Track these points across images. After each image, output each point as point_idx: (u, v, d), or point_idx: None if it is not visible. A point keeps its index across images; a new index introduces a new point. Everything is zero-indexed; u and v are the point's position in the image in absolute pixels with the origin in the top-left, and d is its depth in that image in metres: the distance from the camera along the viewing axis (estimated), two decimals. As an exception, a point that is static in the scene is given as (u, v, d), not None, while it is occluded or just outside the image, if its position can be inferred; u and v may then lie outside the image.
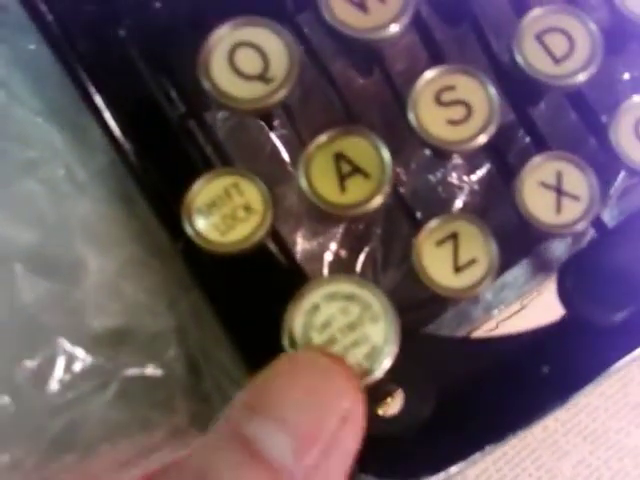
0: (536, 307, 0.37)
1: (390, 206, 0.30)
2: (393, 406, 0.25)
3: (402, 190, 0.31)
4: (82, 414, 0.19)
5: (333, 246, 0.30)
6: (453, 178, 0.30)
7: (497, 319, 0.37)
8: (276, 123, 0.29)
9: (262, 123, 0.27)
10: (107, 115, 0.22)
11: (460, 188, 0.30)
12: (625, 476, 0.46)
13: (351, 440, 0.18)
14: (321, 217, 0.29)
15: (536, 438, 0.45)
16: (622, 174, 0.29)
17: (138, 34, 0.22)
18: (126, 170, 0.23)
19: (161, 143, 0.23)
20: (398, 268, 0.30)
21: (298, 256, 0.30)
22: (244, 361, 0.23)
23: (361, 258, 0.30)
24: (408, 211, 0.25)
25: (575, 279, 0.25)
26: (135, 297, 0.23)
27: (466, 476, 0.45)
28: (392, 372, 0.21)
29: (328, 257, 0.30)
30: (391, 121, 0.26)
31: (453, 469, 0.24)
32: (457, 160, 0.30)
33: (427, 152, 0.30)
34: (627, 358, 0.26)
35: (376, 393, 0.24)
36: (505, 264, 0.31)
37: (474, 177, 0.29)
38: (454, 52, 0.27)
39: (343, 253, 0.31)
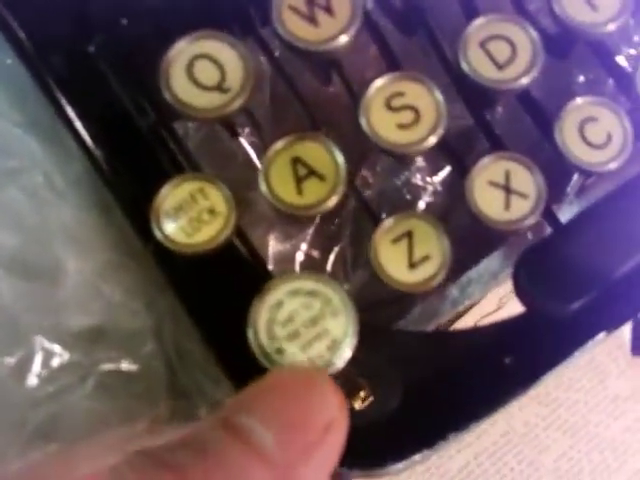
0: (514, 305, 0.38)
1: (358, 208, 0.32)
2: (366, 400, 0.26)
3: (369, 192, 0.32)
4: (62, 407, 0.20)
5: (304, 247, 0.32)
6: (417, 180, 0.31)
7: (475, 319, 0.38)
8: (247, 131, 0.30)
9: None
10: (79, 126, 0.23)
11: (424, 189, 0.31)
12: (606, 468, 0.47)
13: (333, 447, 0.19)
14: (291, 220, 0.31)
15: (517, 433, 0.47)
16: (577, 174, 0.30)
17: (108, 49, 0.23)
18: (100, 177, 0.25)
19: (132, 151, 0.25)
20: (367, 267, 0.32)
21: (271, 258, 0.32)
22: (216, 357, 0.25)
23: (331, 258, 0.32)
24: (373, 213, 0.27)
25: (530, 273, 0.26)
26: (112, 297, 0.24)
27: (449, 469, 0.46)
28: (361, 367, 0.22)
29: (300, 258, 0.32)
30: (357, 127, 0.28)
31: (417, 457, 0.26)
32: (420, 163, 0.31)
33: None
34: (584, 347, 0.27)
35: (347, 388, 0.25)
36: (470, 261, 0.33)
37: (436, 178, 0.31)
38: (417, 60, 0.29)
39: (314, 254, 0.32)
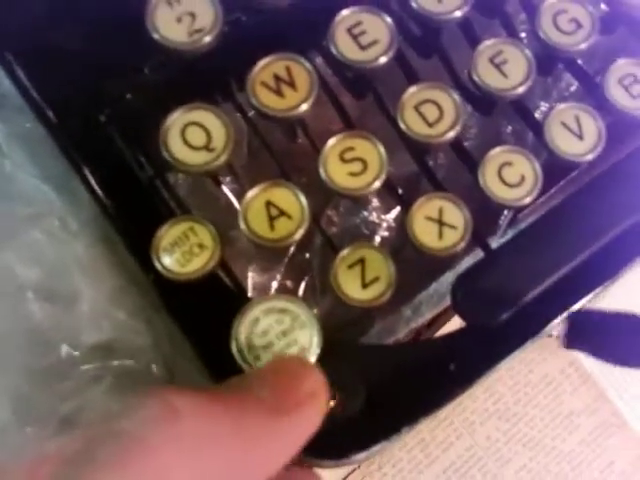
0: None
1: (324, 243, 0.37)
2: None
3: (333, 229, 0.38)
4: (84, 401, 0.25)
5: (279, 278, 0.37)
6: (374, 217, 0.37)
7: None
8: (228, 180, 0.36)
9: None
10: (90, 178, 0.29)
11: (379, 225, 0.37)
12: (564, 478, 0.50)
13: (316, 411, 0.24)
14: (266, 251, 0.36)
15: (481, 447, 0.50)
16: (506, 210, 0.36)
17: (115, 118, 0.29)
18: (107, 220, 0.30)
19: (134, 198, 0.30)
20: (333, 294, 0.37)
21: (250, 287, 0.37)
22: (205, 365, 0.30)
23: (302, 286, 0.37)
24: (335, 247, 0.32)
25: (464, 292, 0.32)
26: (119, 317, 0.29)
27: None
28: (330, 375, 0.28)
29: (275, 287, 0.37)
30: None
31: (376, 447, 0.30)
32: (376, 203, 0.37)
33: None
34: (514, 353, 0.32)
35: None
36: (421, 285, 0.38)
37: (389, 216, 0.37)
38: (367, 118, 0.34)
39: (288, 283, 0.38)
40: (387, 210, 0.36)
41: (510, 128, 0.38)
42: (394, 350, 0.35)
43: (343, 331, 0.37)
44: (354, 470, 0.46)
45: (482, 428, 0.48)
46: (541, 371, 0.49)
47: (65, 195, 0.30)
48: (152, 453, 0.20)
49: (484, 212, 0.33)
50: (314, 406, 0.24)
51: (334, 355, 0.28)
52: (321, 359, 0.27)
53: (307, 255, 0.38)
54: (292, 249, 0.37)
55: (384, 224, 0.36)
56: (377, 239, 0.37)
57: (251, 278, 0.36)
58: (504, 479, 0.48)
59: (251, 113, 0.32)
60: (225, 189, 0.34)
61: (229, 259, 0.31)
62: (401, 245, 0.38)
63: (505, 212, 0.36)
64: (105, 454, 0.19)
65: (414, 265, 0.34)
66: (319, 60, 0.31)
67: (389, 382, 0.31)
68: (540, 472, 0.48)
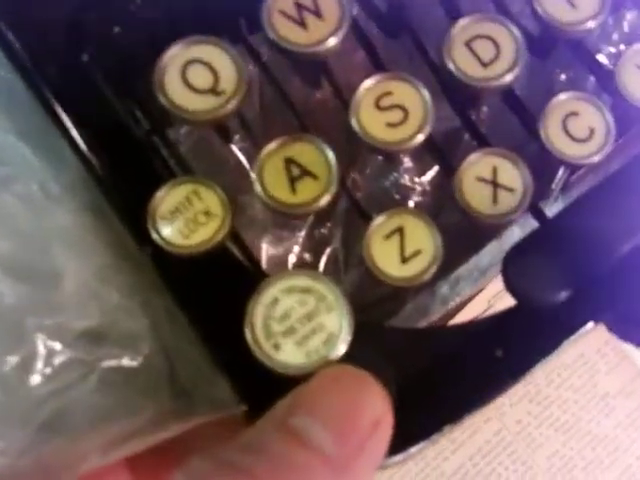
0: (503, 306, 0.39)
1: (348, 210, 0.32)
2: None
3: (359, 195, 0.33)
4: (67, 402, 0.20)
5: (297, 250, 0.32)
6: (405, 180, 0.32)
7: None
8: (237, 137, 0.31)
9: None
10: (74, 133, 0.24)
11: (412, 189, 0.32)
12: (598, 465, 0.48)
13: (382, 441, 0.21)
14: (283, 222, 0.32)
15: (510, 432, 0.48)
16: (562, 170, 0.31)
17: (101, 58, 0.24)
18: (96, 184, 0.25)
19: (126, 157, 0.25)
20: (359, 267, 0.32)
21: (264, 261, 0.32)
22: (213, 355, 0.25)
23: (323, 260, 0.33)
24: (364, 214, 0.27)
25: (517, 267, 0.27)
26: (110, 299, 0.24)
27: (444, 472, 0.47)
28: (356, 364, 0.23)
29: (292, 260, 0.32)
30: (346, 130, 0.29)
31: (414, 449, 0.26)
32: (408, 163, 0.32)
33: (380, 158, 0.32)
34: (572, 337, 0.28)
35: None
36: (459, 259, 0.33)
37: (425, 178, 0.32)
38: (401, 63, 0.29)
39: (306, 256, 0.33)
40: (422, 172, 0.31)
41: (564, 76, 0.32)
42: (431, 334, 0.30)
43: (368, 312, 0.32)
44: None
45: (512, 411, 0.46)
46: (575, 350, 0.47)
47: (46, 155, 0.25)
48: None
49: (535, 174, 0.28)
50: (381, 437, 0.21)
51: (360, 341, 0.23)
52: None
53: (329, 224, 0.33)
54: (311, 216, 0.32)
55: (418, 188, 0.31)
56: (410, 205, 0.32)
57: (265, 251, 0.32)
58: (535, 465, 0.46)
59: (265, 58, 0.27)
60: (233, 148, 0.29)
61: (238, 229, 0.26)
62: (437, 212, 0.33)
63: (560, 173, 0.31)
64: None
65: (451, 234, 0.30)
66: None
67: (426, 373, 0.27)
68: (573, 458, 0.46)
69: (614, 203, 0.27)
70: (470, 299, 0.36)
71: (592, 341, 0.48)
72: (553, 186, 0.32)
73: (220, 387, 0.26)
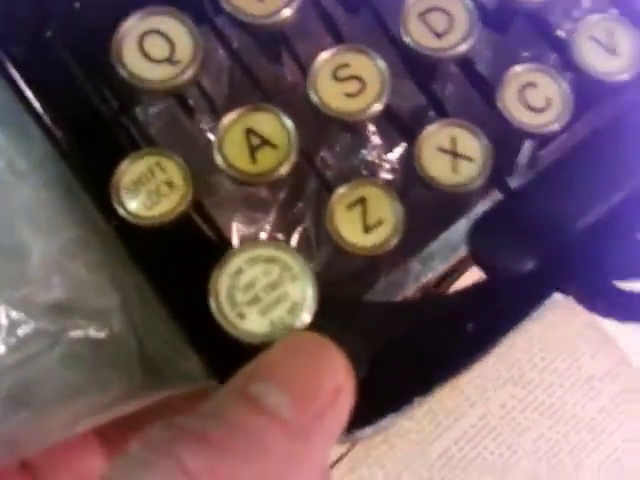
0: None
1: (319, 189, 0.33)
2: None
3: (329, 173, 0.33)
4: (32, 374, 0.21)
5: (269, 230, 0.33)
6: (374, 157, 0.32)
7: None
8: (208, 120, 0.31)
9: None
10: (39, 109, 0.24)
11: (380, 167, 0.32)
12: (584, 448, 0.48)
13: (343, 410, 0.21)
14: (255, 202, 0.32)
15: (495, 416, 0.48)
16: (527, 143, 0.31)
17: (64, 33, 0.24)
18: (62, 159, 0.25)
19: (93, 133, 0.26)
20: (329, 245, 0.33)
21: (235, 241, 0.33)
22: (181, 327, 0.26)
23: (295, 238, 0.33)
24: (332, 191, 0.28)
25: (482, 238, 0.27)
26: (77, 273, 0.25)
27: (429, 456, 0.47)
28: (328, 338, 0.23)
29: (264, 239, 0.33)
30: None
31: (383, 422, 0.26)
32: (376, 141, 0.32)
33: (348, 135, 0.33)
34: (539, 306, 0.28)
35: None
36: (430, 236, 0.34)
37: (392, 155, 0.32)
38: (360, 37, 0.30)
39: (279, 236, 0.33)
40: (389, 149, 0.32)
41: (526, 53, 0.33)
42: (402, 307, 0.31)
43: (342, 288, 0.33)
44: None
45: (496, 395, 0.46)
46: (558, 334, 0.47)
47: (12, 132, 0.26)
48: None
49: (500, 148, 0.28)
50: (342, 404, 0.21)
51: (330, 314, 0.24)
52: (316, 319, 0.23)
53: (300, 204, 0.33)
54: (282, 195, 0.33)
55: (386, 165, 0.32)
56: (379, 182, 0.32)
57: (236, 230, 0.32)
58: (520, 449, 0.46)
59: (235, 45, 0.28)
60: (203, 127, 0.30)
61: (211, 209, 0.27)
62: (406, 188, 0.33)
63: (526, 147, 0.32)
64: None
65: (422, 211, 0.30)
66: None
67: (397, 345, 0.27)
68: (559, 441, 0.47)
69: (576, 175, 0.28)
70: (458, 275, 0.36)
71: (573, 324, 0.48)
72: (519, 160, 0.32)
73: (190, 361, 0.26)
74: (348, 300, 0.30)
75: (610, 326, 0.49)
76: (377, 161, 0.32)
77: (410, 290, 0.34)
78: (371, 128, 0.33)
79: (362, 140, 0.32)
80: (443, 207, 0.31)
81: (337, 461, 0.44)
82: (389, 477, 0.45)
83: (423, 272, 0.34)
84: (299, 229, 0.33)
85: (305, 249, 0.33)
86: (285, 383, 0.20)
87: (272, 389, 0.20)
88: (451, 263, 0.34)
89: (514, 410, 0.47)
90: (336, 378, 0.20)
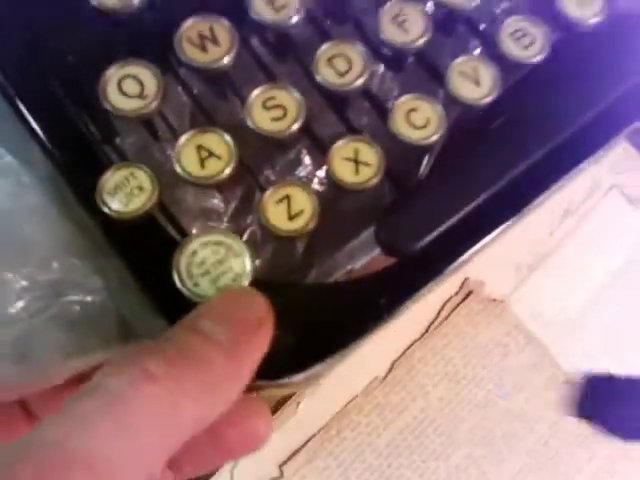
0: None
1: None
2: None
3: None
4: (29, 328, 0.28)
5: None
6: (306, 174, 0.41)
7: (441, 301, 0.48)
8: (170, 143, 0.39)
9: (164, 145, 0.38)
10: (44, 139, 0.32)
11: (312, 180, 0.41)
12: (515, 434, 0.52)
13: (264, 337, 0.26)
14: (210, 211, 0.40)
15: (434, 409, 0.52)
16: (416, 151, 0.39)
17: (62, 81, 0.32)
18: (59, 174, 0.33)
19: (83, 156, 0.34)
20: (272, 244, 0.41)
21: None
22: (151, 296, 0.33)
23: (245, 237, 0.41)
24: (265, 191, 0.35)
25: (384, 225, 0.35)
26: (69, 261, 0.33)
27: (377, 446, 0.52)
28: None
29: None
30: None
31: (311, 370, 0.33)
32: (307, 162, 0.41)
33: (286, 157, 0.41)
34: (437, 278, 0.35)
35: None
36: (353, 234, 0.42)
37: (320, 172, 0.41)
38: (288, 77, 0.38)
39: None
40: (318, 167, 0.40)
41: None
42: (328, 287, 0.38)
43: (282, 277, 0.40)
44: (314, 436, 0.49)
45: (435, 390, 0.51)
46: (488, 334, 0.52)
47: (18, 153, 0.34)
48: (132, 408, 0.22)
49: (405, 159, 0.37)
50: (264, 333, 0.27)
51: (271, 293, 0.30)
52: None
53: (248, 215, 0.42)
54: (233, 207, 0.41)
55: (316, 179, 0.40)
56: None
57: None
58: (458, 438, 0.50)
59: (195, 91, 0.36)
60: (169, 153, 0.38)
61: (176, 215, 0.34)
62: (334, 198, 0.41)
63: (426, 159, 0.40)
64: (93, 406, 0.22)
65: (348, 216, 0.38)
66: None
67: (323, 312, 0.34)
68: (492, 429, 0.51)
69: (458, 173, 0.36)
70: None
71: (502, 325, 0.52)
72: (421, 170, 0.41)
73: (157, 322, 0.34)
74: (282, 284, 0.37)
75: (533, 327, 0.53)
76: (309, 177, 0.40)
77: (338, 275, 0.42)
78: (304, 151, 0.41)
79: (297, 160, 0.40)
80: (365, 211, 0.39)
81: (294, 454, 0.47)
82: (342, 466, 0.48)
83: (349, 262, 0.42)
84: (247, 232, 0.41)
85: (252, 247, 0.41)
86: (221, 317, 0.26)
87: (211, 322, 0.25)
88: (370, 255, 0.43)
89: (451, 403, 0.50)
90: (259, 312, 0.27)
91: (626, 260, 0.53)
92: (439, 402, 0.51)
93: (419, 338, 0.50)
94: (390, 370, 0.50)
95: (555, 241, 0.53)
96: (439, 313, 0.51)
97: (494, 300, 0.52)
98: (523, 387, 0.51)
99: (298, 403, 0.48)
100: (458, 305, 0.51)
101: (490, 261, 0.51)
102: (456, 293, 0.51)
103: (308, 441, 0.48)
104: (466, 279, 0.51)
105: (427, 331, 0.51)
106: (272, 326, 0.27)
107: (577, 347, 0.52)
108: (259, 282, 0.31)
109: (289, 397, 0.48)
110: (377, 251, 0.41)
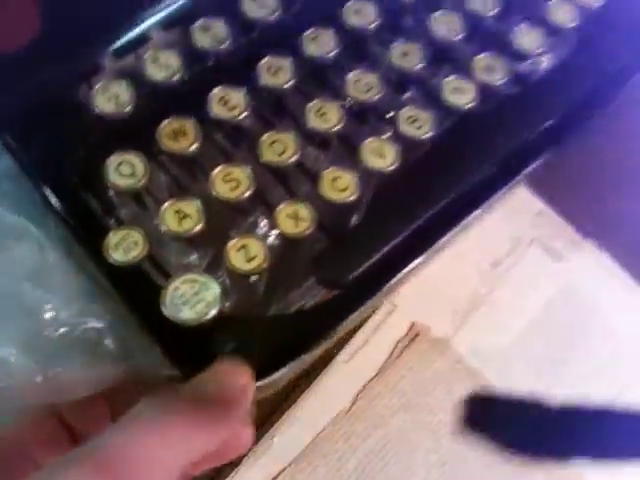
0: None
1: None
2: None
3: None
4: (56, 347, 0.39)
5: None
6: (264, 232, 0.52)
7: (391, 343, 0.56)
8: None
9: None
10: (63, 214, 0.44)
11: (268, 237, 0.52)
12: (464, 460, 0.56)
13: (248, 395, 0.35)
14: (188, 263, 0.51)
15: (392, 437, 0.56)
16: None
17: (74, 166, 0.45)
18: (73, 238, 0.45)
19: (93, 226, 0.45)
20: (238, 290, 0.51)
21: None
22: (146, 327, 0.44)
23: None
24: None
25: (321, 265, 0.46)
26: (84, 303, 0.44)
27: (346, 470, 0.55)
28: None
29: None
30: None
31: (277, 375, 0.40)
32: (263, 224, 0.53)
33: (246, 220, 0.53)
34: (363, 306, 0.44)
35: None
36: (304, 276, 0.53)
37: (274, 231, 0.52)
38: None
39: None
40: (272, 227, 0.51)
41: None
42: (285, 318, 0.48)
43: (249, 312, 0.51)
44: (286, 468, 0.54)
45: (392, 420, 0.56)
46: (434, 369, 0.58)
47: (39, 223, 0.45)
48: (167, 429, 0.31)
49: (336, 214, 0.47)
50: (247, 395, 0.35)
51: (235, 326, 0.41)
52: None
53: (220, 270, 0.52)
54: (207, 260, 0.52)
55: (272, 236, 0.51)
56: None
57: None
58: (415, 463, 0.55)
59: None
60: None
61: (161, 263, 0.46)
62: (285, 249, 0.52)
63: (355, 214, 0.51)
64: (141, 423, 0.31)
65: (297, 262, 0.49)
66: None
67: (274, 334, 0.43)
68: (445, 453, 0.56)
69: (377, 224, 0.47)
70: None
71: (446, 361, 0.58)
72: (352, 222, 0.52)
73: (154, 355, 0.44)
74: (247, 316, 0.48)
75: (474, 361, 0.58)
76: (266, 234, 0.51)
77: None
78: (261, 216, 0.53)
79: (255, 223, 0.52)
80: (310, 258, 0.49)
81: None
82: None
83: (304, 298, 0.52)
84: (219, 279, 0.52)
85: (223, 288, 0.51)
86: (218, 384, 0.35)
87: (211, 387, 0.35)
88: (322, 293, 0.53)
89: (407, 430, 0.55)
90: (243, 382, 0.35)
91: (550, 301, 0.60)
92: (397, 430, 0.56)
93: (376, 374, 0.57)
94: (354, 403, 0.55)
95: (487, 288, 0.60)
96: (392, 353, 0.57)
97: (438, 340, 0.59)
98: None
99: (273, 437, 0.53)
100: (407, 345, 0.58)
101: (432, 307, 0.59)
102: (406, 335, 0.58)
103: (280, 473, 0.53)
104: (413, 323, 0.58)
105: (383, 368, 0.57)
106: (252, 389, 0.36)
107: (513, 377, 0.57)
108: (227, 316, 0.41)
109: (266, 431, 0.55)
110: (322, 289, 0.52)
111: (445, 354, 0.58)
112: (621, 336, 0.60)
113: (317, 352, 0.43)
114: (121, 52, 0.44)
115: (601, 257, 0.62)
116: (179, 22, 0.44)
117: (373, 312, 0.57)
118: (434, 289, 0.59)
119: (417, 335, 0.58)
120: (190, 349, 0.39)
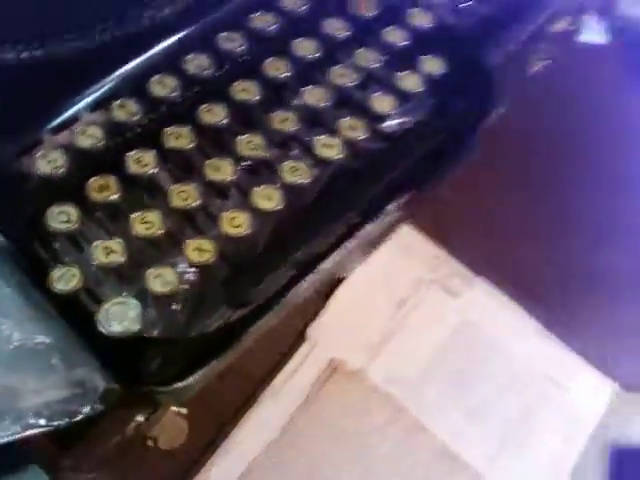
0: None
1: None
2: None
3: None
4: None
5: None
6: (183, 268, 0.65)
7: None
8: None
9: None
10: (10, 248, 0.56)
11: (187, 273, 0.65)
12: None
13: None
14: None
15: (321, 464, 0.61)
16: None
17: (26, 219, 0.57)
18: (18, 268, 0.56)
19: (35, 258, 0.57)
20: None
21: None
22: (89, 346, 0.55)
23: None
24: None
25: (227, 287, 0.59)
26: (32, 325, 0.55)
27: None
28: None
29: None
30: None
31: (191, 379, 0.53)
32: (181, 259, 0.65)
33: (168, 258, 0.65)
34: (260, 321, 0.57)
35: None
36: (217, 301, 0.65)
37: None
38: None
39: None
40: (182, 259, 0.60)
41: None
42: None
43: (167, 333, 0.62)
44: None
45: (317, 447, 0.61)
46: (354, 398, 0.64)
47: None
48: None
49: (239, 247, 0.59)
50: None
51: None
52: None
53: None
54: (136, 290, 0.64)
55: (182, 266, 0.61)
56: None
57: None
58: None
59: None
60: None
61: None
62: (199, 279, 0.64)
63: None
64: None
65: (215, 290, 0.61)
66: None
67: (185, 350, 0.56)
68: (367, 476, 0.60)
69: (274, 253, 0.61)
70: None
71: (364, 391, 0.64)
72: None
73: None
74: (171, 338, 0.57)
75: (390, 388, 0.64)
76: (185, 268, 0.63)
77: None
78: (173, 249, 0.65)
79: (176, 260, 0.63)
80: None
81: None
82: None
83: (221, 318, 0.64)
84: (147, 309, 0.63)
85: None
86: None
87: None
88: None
89: (335, 457, 0.61)
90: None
91: (452, 332, 0.68)
92: (325, 456, 0.60)
93: (301, 405, 0.62)
94: (282, 433, 0.60)
95: (395, 324, 0.67)
96: (314, 386, 0.63)
97: (355, 372, 0.64)
98: (386, 439, 0.61)
99: (210, 470, 0.59)
100: (328, 378, 0.63)
101: (348, 342, 0.66)
102: (325, 368, 0.64)
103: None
104: (332, 359, 0.65)
105: (306, 401, 0.62)
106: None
107: (424, 401, 0.63)
108: (154, 338, 0.52)
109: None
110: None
111: (362, 384, 0.64)
112: (517, 360, 0.67)
113: (225, 360, 0.52)
114: (57, 129, 0.55)
115: (493, 292, 0.70)
116: (102, 104, 0.57)
117: (295, 351, 0.64)
118: (349, 325, 0.66)
119: (336, 368, 0.64)
120: (123, 362, 0.50)
